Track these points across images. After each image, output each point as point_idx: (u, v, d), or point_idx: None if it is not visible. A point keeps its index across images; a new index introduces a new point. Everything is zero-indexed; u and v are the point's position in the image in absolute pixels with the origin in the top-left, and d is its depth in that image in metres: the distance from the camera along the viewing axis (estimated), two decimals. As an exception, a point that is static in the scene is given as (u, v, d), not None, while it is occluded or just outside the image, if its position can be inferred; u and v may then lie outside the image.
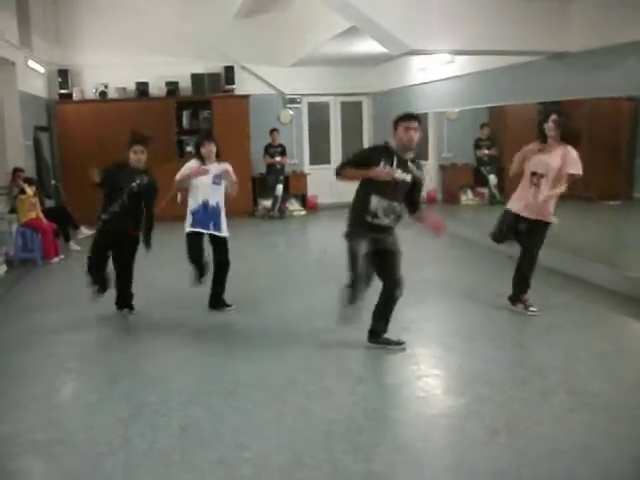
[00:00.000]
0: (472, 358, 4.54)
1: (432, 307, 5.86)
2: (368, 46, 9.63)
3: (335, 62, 11.49)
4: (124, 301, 5.67)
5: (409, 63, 10.75)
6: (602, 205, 10.53)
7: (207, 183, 5.48)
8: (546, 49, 6.53)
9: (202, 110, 11.36)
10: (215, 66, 11.51)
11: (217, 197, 5.56)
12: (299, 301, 6.15)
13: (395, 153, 4.34)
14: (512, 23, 6.24)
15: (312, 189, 12.46)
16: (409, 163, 4.38)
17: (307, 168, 12.76)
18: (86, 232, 8.90)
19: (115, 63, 10.90)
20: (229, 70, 11.51)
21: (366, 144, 13.24)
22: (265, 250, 9.46)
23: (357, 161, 4.42)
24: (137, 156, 5.41)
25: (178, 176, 5.52)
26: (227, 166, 5.59)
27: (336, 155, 13.14)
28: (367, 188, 4.37)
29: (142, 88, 11.09)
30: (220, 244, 5.63)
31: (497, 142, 11.79)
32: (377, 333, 4.67)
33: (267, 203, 11.73)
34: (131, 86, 11.12)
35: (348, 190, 14.24)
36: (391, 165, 4.29)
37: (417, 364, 4.49)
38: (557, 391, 3.92)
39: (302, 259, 8.65)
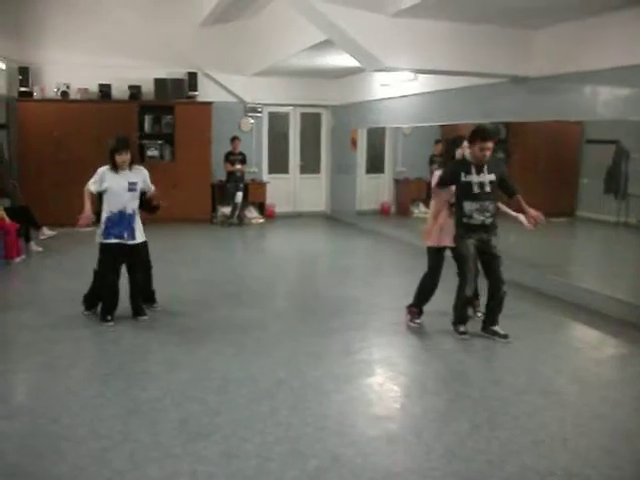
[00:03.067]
0: (447, 361, 4.83)
1: (401, 311, 6.12)
2: (334, 60, 9.96)
3: (297, 73, 11.74)
4: (148, 299, 5.81)
5: (371, 78, 11.10)
6: (549, 222, 11.09)
7: (123, 190, 5.39)
8: (509, 73, 6.95)
9: (164, 115, 11.39)
10: (179, 72, 11.57)
11: (133, 204, 5.47)
12: (269, 303, 6.34)
13: (471, 163, 5.02)
14: (480, 47, 6.63)
15: (270, 198, 12.64)
16: (485, 166, 5.01)
17: (266, 177, 12.92)
18: (48, 233, 8.82)
19: (78, 63, 10.80)
20: (192, 76, 11.58)
21: (323, 155, 13.57)
22: (228, 256, 9.57)
23: (446, 179, 5.15)
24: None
25: (89, 184, 5.38)
26: (145, 174, 5.56)
27: (294, 165, 13.38)
28: (459, 196, 5.09)
29: (105, 90, 11.02)
30: (139, 250, 5.57)
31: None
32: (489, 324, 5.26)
33: (226, 210, 11.82)
34: (93, 87, 11.03)
35: (304, 200, 14.69)
36: (469, 173, 5.00)
37: (394, 365, 4.74)
38: (528, 390, 4.24)
39: (262, 264, 8.81)
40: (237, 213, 11.71)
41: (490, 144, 4.90)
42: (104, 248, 5.48)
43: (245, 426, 3.58)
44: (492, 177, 5.03)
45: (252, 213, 12.33)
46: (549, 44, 6.73)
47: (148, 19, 11.10)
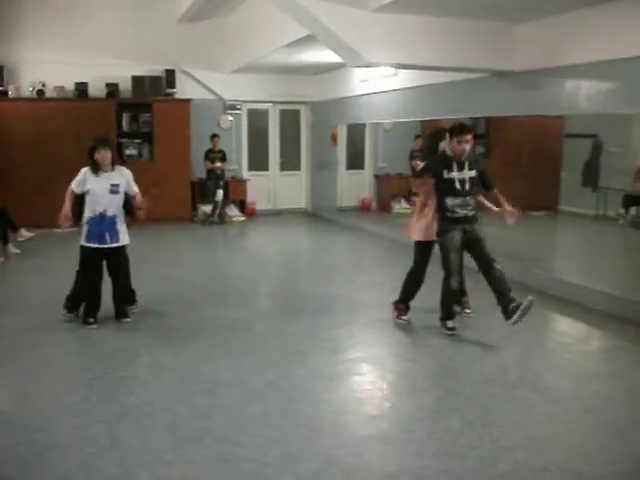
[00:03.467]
0: (435, 357, 4.81)
1: (387, 308, 6.09)
2: (313, 56, 9.89)
3: (276, 70, 11.66)
4: (128, 300, 5.65)
5: (350, 74, 11.05)
6: (530, 216, 11.18)
7: (104, 192, 5.24)
8: (492, 67, 6.95)
9: (142, 113, 11.23)
10: (156, 69, 11.42)
11: (115, 207, 5.32)
12: (253, 302, 6.28)
13: (452, 159, 5.02)
14: (463, 42, 6.61)
15: (250, 195, 12.55)
16: (466, 163, 5.03)
17: (246, 174, 12.83)
18: (27, 235, 8.65)
19: (53, 61, 10.59)
20: (170, 74, 11.44)
21: (303, 152, 13.51)
22: (210, 255, 9.48)
23: (425, 172, 5.20)
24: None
25: (72, 183, 5.27)
26: (127, 174, 5.41)
27: (274, 162, 13.31)
28: (440, 192, 5.09)
29: (81, 88, 10.83)
30: (119, 252, 5.43)
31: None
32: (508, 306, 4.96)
33: (206, 209, 11.72)
34: (70, 86, 10.84)
35: (284, 197, 14.62)
36: (451, 170, 4.99)
37: (383, 362, 4.72)
38: (519, 385, 4.24)
39: (245, 263, 8.73)
40: (218, 211, 11.60)
41: (468, 137, 4.94)
42: (85, 251, 5.36)
43: (237, 429, 3.53)
44: (473, 173, 5.06)
45: (233, 211, 12.23)
46: (532, 38, 6.72)
47: (125, 16, 10.91)
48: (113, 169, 5.34)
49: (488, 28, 6.72)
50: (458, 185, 5.00)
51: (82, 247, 5.37)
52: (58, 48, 10.63)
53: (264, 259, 9.05)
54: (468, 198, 5.05)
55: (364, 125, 12.64)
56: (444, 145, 5.32)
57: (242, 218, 12.16)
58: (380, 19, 6.28)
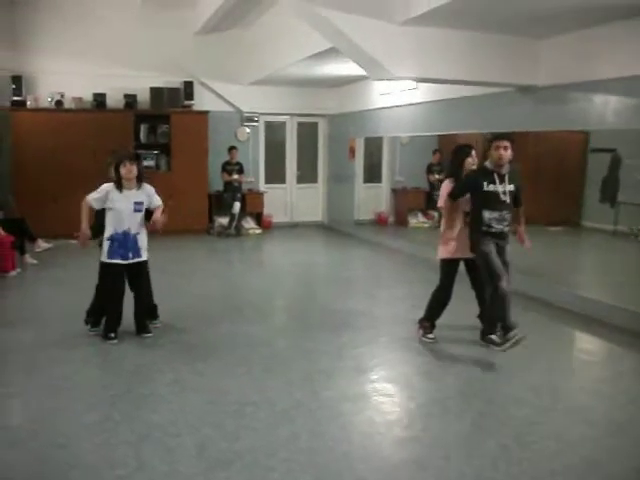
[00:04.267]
0: (464, 377, 4.68)
1: (409, 325, 5.97)
2: (332, 69, 9.85)
3: (294, 83, 11.62)
4: (150, 315, 5.58)
5: (370, 87, 10.99)
6: (546, 230, 11.04)
7: (129, 211, 5.14)
8: (516, 82, 6.86)
9: (160, 124, 11.21)
10: (174, 81, 11.40)
11: (139, 224, 5.23)
12: (272, 317, 6.17)
13: (493, 171, 4.87)
14: (489, 56, 6.53)
15: (267, 208, 12.48)
16: (506, 176, 4.91)
17: (262, 187, 12.76)
18: (44, 245, 8.62)
19: (72, 72, 10.61)
20: (188, 85, 11.42)
21: (321, 165, 13.45)
22: (227, 268, 9.39)
23: (464, 189, 5.05)
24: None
25: (91, 199, 5.11)
26: (149, 190, 5.27)
27: (291, 174, 13.24)
28: (477, 205, 4.96)
29: (99, 99, 10.82)
30: (141, 267, 5.35)
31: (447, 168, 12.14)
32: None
33: (223, 220, 11.65)
34: (88, 97, 10.84)
35: (301, 210, 14.55)
36: (493, 182, 4.87)
37: (410, 383, 4.60)
38: (551, 407, 4.11)
39: (262, 277, 8.63)
40: (235, 224, 11.54)
41: (505, 142, 4.82)
42: (107, 267, 5.26)
43: (267, 453, 3.40)
44: (511, 187, 4.95)
45: (249, 223, 12.16)
46: (555, 53, 6.64)
47: (143, 27, 10.90)
48: (139, 186, 5.22)
49: (513, 43, 6.64)
50: (501, 197, 4.89)
51: (104, 264, 5.27)
52: (77, 59, 10.65)
53: (281, 272, 8.95)
54: (505, 212, 4.94)
55: (381, 138, 12.56)
56: (470, 162, 5.23)
57: (258, 231, 12.09)
58: (406, 32, 6.20)
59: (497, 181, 4.88)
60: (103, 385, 4.49)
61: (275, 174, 13.07)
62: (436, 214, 12.45)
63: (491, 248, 4.92)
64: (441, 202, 5.28)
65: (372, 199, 12.94)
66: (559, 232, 11.19)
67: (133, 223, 5.20)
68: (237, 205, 11.42)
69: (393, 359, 5.14)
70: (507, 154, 4.83)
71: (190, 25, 10.96)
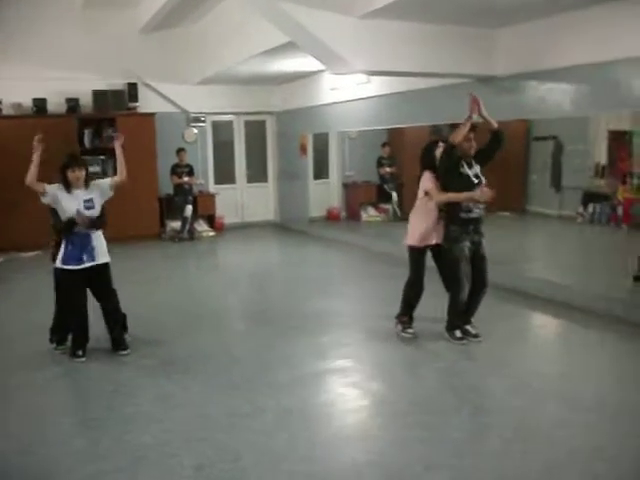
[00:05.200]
0: (453, 372, 4.65)
1: (384, 321, 5.92)
2: (282, 65, 9.69)
3: (241, 81, 11.40)
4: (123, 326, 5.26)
5: (319, 82, 10.89)
6: (497, 216, 11.27)
7: (78, 209, 4.88)
8: (476, 72, 6.89)
9: (105, 128, 10.78)
10: (118, 83, 10.98)
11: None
12: (242, 324, 6.01)
13: (461, 158, 5.03)
14: (449, 48, 6.52)
15: (218, 209, 12.22)
16: (472, 160, 5.10)
17: (212, 188, 12.50)
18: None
19: (10, 77, 10.03)
20: (132, 87, 11.02)
21: (270, 163, 13.27)
22: (185, 274, 9.12)
23: (448, 164, 5.05)
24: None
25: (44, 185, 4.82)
26: (100, 184, 5.09)
27: (240, 174, 13.02)
28: (456, 190, 4.98)
29: (40, 104, 10.31)
30: (100, 273, 5.03)
31: (397, 160, 12.21)
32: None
33: (175, 225, 11.34)
34: (27, 102, 10.31)
35: (252, 210, 14.20)
36: (464, 167, 5.01)
37: (399, 381, 4.54)
38: (547, 397, 4.12)
39: (223, 282, 8.41)
40: (187, 227, 11.24)
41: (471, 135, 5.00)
42: (62, 275, 4.94)
43: (269, 467, 3.29)
44: (478, 169, 5.11)
45: (202, 226, 11.88)
46: (514, 43, 6.70)
47: (84, 29, 10.43)
48: (87, 187, 4.98)
49: (472, 33, 6.66)
50: (474, 180, 5.00)
51: (57, 271, 4.96)
52: (13, 62, 10.08)
53: (242, 276, 8.72)
54: None
55: (327, 134, 12.50)
56: (439, 152, 5.24)
57: (212, 233, 11.82)
58: (366, 25, 6.12)
59: (466, 166, 5.04)
60: (81, 407, 4.26)
61: (225, 174, 12.82)
62: (390, 208, 12.53)
63: (465, 253, 5.01)
64: (421, 193, 5.30)
65: (322, 195, 12.86)
66: (508, 217, 11.45)
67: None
68: (189, 208, 11.12)
69: (377, 358, 5.06)
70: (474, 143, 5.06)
71: (133, 25, 10.54)
